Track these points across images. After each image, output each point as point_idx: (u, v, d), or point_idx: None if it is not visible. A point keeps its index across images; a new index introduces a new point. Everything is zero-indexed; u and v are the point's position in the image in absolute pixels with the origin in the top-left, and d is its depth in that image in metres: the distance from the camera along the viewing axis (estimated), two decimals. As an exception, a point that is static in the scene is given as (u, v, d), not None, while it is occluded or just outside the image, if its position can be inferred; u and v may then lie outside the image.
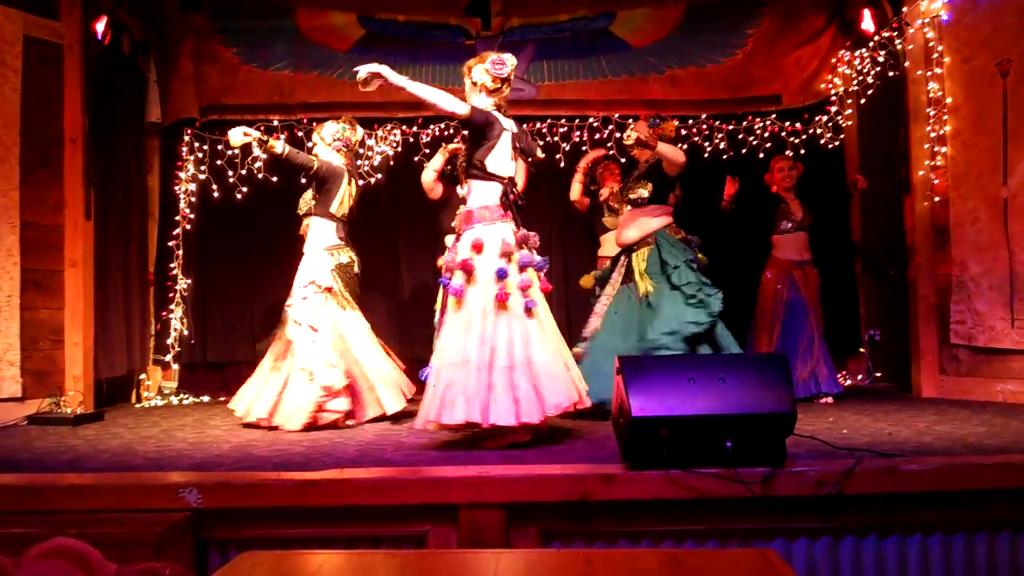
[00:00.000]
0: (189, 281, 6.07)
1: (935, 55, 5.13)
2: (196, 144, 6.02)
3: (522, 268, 3.70)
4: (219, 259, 6.19)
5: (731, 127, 6.21)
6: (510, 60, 3.80)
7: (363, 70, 3.55)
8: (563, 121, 6.19)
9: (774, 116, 6.19)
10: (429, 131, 6.11)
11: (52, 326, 4.95)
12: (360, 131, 4.95)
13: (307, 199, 4.91)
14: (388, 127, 6.11)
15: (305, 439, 3.99)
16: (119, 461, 3.42)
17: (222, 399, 5.89)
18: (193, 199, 6.07)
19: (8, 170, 4.76)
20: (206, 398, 5.94)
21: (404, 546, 2.84)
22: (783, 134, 6.17)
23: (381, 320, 5.70)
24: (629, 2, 6.17)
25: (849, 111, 6.14)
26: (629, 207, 4.68)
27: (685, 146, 6.01)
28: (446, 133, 6.10)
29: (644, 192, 4.58)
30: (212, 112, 6.07)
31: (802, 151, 6.05)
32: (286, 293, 4.72)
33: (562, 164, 6.07)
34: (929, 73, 5.16)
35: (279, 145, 4.50)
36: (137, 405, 5.67)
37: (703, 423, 2.80)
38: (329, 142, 4.74)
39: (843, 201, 5.76)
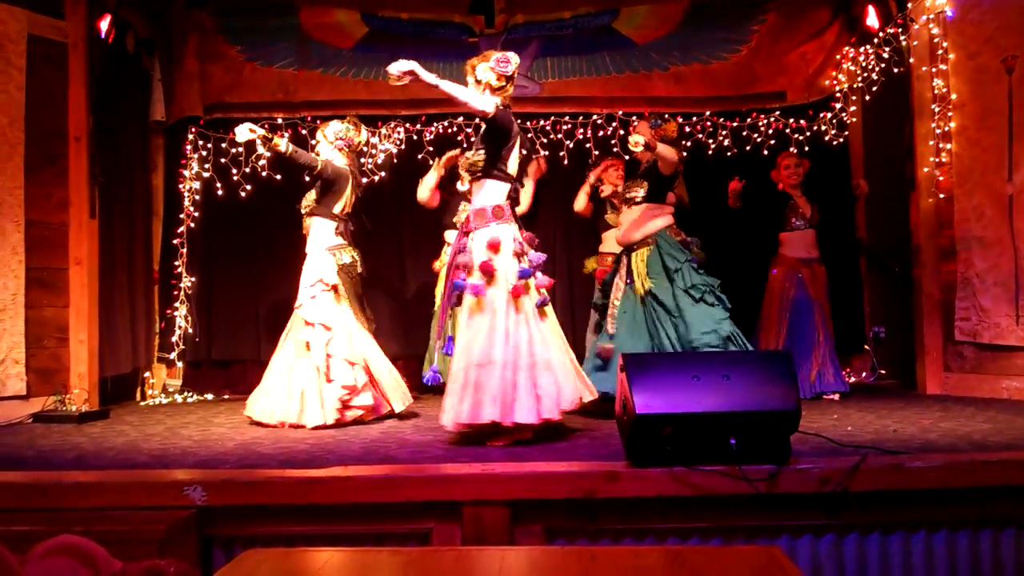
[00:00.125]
0: (193, 279, 6.07)
1: (940, 51, 5.11)
2: (200, 142, 6.02)
3: (535, 268, 3.74)
4: (223, 257, 6.18)
5: (735, 124, 6.18)
6: (514, 58, 3.79)
7: (395, 68, 3.51)
8: (567, 118, 6.17)
9: (778, 113, 6.17)
10: (433, 129, 6.11)
11: (57, 324, 4.96)
12: (364, 133, 4.94)
13: (309, 198, 4.92)
14: (392, 125, 6.10)
15: (310, 436, 4.00)
16: (124, 459, 3.43)
17: (227, 396, 5.92)
18: (197, 197, 6.06)
19: (13, 168, 4.76)
20: (211, 396, 5.94)
21: (408, 543, 2.84)
22: (787, 131, 6.15)
23: (384, 319, 5.70)
24: (632, -1, 6.16)
25: (854, 108, 6.11)
26: (626, 206, 4.69)
27: (689, 144, 6.01)
28: (450, 131, 6.09)
29: (640, 191, 4.60)
30: (216, 110, 6.06)
31: (806, 148, 6.03)
32: (291, 290, 4.72)
33: (565, 161, 6.07)
34: (934, 69, 5.14)
35: (283, 144, 4.51)
36: (142, 403, 5.67)
37: (707, 420, 2.79)
38: (332, 140, 4.74)
39: (847, 198, 5.74)
